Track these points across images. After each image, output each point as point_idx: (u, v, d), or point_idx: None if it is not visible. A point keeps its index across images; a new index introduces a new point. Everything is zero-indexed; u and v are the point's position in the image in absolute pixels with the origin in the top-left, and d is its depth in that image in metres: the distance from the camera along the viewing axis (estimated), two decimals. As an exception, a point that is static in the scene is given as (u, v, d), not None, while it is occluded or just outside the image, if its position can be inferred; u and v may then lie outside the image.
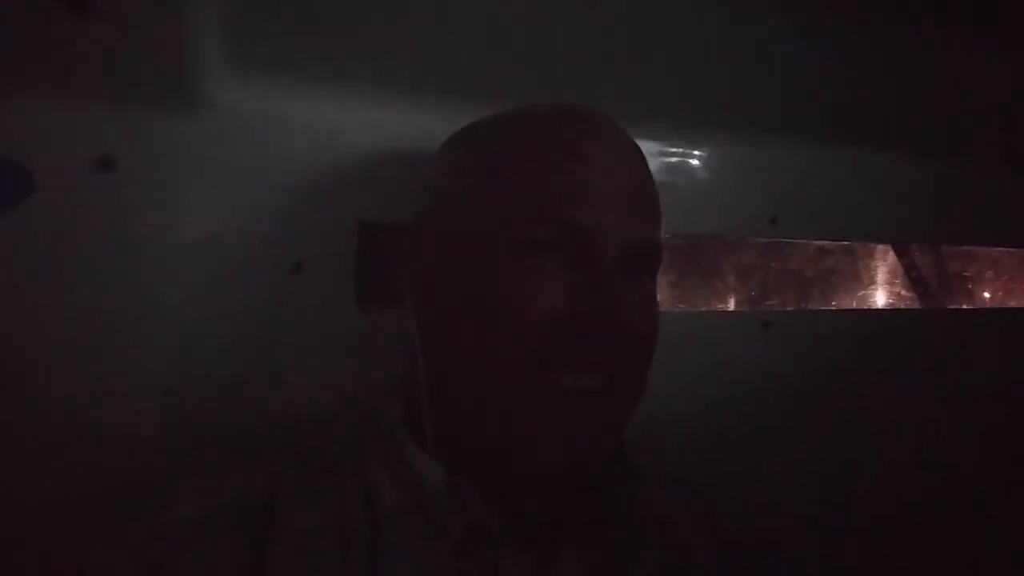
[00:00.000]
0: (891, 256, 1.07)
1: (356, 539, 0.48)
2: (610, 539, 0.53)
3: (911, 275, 1.11)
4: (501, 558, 0.49)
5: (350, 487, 0.50)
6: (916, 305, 1.04)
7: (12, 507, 0.57)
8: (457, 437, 0.51)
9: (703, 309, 0.89)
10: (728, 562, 0.58)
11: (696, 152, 0.82)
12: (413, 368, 0.53)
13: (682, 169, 0.82)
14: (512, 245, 0.49)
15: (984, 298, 1.15)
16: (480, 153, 0.54)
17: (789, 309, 0.93)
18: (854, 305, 1.00)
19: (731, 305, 0.98)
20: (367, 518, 0.49)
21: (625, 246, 0.50)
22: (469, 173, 0.54)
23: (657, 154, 0.79)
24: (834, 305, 0.97)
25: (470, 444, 0.51)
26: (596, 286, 0.48)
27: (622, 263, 0.49)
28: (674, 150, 0.81)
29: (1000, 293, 1.23)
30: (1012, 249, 1.13)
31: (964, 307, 1.11)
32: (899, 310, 1.04)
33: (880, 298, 1.04)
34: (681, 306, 0.85)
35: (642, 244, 0.51)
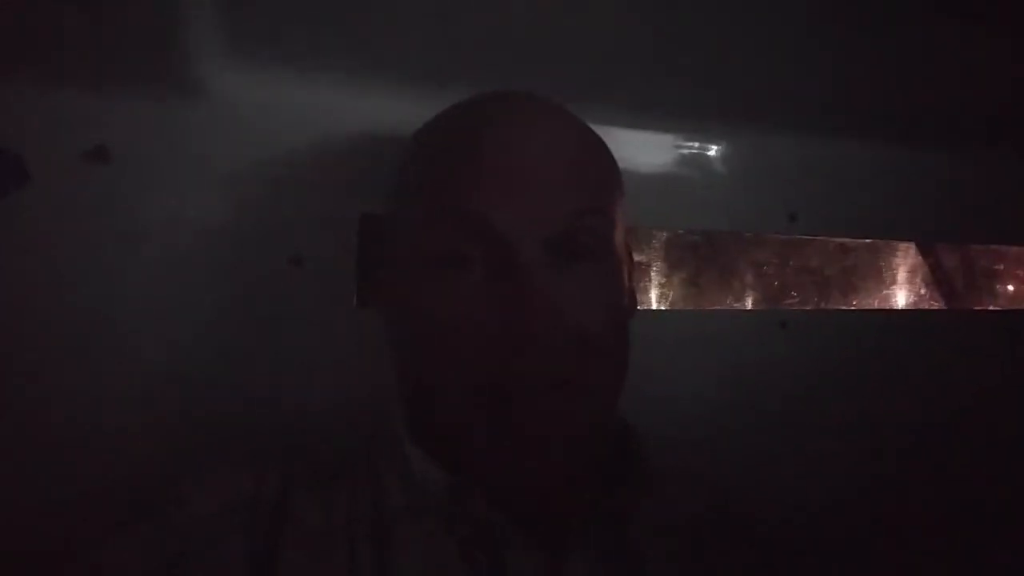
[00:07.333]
0: (914, 255, 1.04)
1: (365, 538, 0.47)
2: (624, 537, 0.51)
3: (936, 274, 1.08)
4: (509, 558, 0.47)
5: (360, 486, 0.50)
6: (940, 305, 1.02)
7: (13, 506, 0.56)
8: (431, 442, 0.50)
9: (719, 307, 0.87)
10: (746, 558, 0.55)
11: (713, 146, 0.80)
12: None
13: (699, 163, 0.80)
14: (424, 257, 0.47)
15: (1012, 297, 1.12)
16: (409, 149, 0.53)
17: (807, 309, 0.91)
18: (875, 305, 0.98)
19: (748, 304, 0.96)
20: (375, 517, 0.48)
21: (549, 237, 0.45)
22: (398, 174, 0.53)
23: (673, 148, 0.78)
24: (855, 305, 0.95)
25: (441, 451, 0.49)
26: (516, 297, 0.44)
27: (552, 255, 0.46)
28: (691, 144, 0.79)
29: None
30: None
31: (991, 308, 1.08)
32: (921, 311, 1.01)
33: (902, 298, 1.01)
34: (702, 305, 0.83)
35: (571, 230, 0.46)
